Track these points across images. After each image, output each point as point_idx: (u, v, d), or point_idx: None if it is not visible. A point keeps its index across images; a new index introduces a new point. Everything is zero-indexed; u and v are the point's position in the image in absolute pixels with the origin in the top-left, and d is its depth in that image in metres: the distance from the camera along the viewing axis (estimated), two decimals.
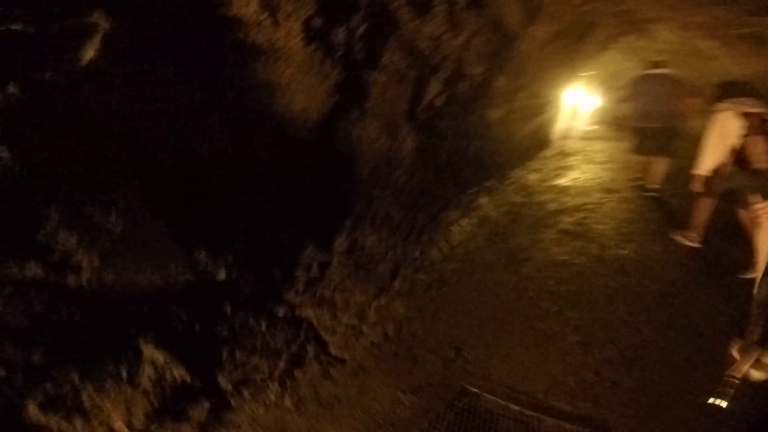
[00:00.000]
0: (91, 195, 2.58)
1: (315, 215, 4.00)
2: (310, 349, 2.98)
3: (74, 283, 2.49)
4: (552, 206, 5.60)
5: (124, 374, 2.44)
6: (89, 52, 2.18)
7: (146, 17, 2.34)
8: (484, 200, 5.69)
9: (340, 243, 3.99)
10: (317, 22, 2.92)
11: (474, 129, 5.68)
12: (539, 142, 7.47)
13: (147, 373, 2.48)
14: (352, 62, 3.50)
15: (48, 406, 2.04)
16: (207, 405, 2.41)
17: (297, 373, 2.76)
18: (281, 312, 3.28)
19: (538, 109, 6.96)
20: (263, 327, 3.11)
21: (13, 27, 1.88)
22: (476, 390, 2.53)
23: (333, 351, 3.01)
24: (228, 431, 2.29)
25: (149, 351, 2.58)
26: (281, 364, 2.80)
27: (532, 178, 6.52)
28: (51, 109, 2.27)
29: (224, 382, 2.60)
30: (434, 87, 4.41)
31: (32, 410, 1.99)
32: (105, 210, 2.63)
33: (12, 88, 2.08)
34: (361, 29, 3.28)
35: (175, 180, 3.11)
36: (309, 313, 3.33)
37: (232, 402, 2.46)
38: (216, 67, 2.83)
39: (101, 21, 2.13)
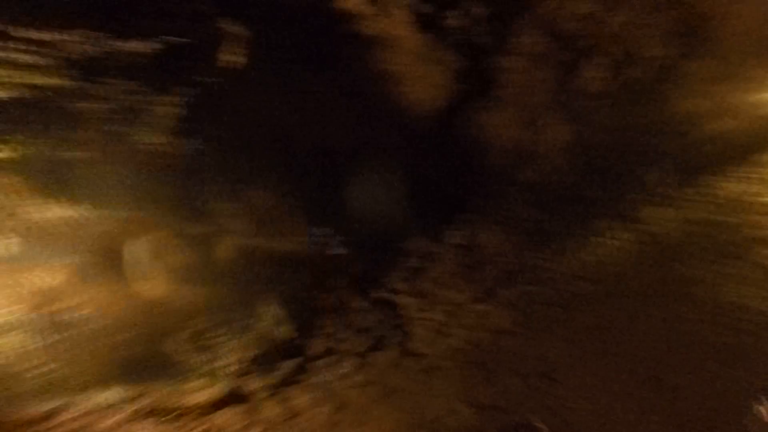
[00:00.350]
0: (242, 175, 3.34)
1: (430, 204, 4.16)
2: (395, 336, 3.22)
3: (228, 245, 3.29)
4: (752, 232, 4.46)
5: (246, 322, 3.14)
6: (234, 57, 2.81)
7: (273, 22, 2.82)
8: (653, 212, 4.87)
9: (452, 236, 4.07)
10: (425, 8, 2.99)
11: (653, 123, 4.83)
12: (754, 144, 5.83)
13: (260, 326, 3.13)
14: (474, 48, 3.41)
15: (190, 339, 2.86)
16: (294, 364, 2.91)
17: (375, 355, 3.04)
18: (379, 294, 3.60)
19: (756, 102, 5.43)
20: (360, 305, 3.50)
21: (169, 39, 2.56)
22: (543, 428, 2.39)
23: (415, 343, 3.18)
24: (299, 389, 2.73)
25: (269, 308, 3.23)
26: (364, 343, 3.13)
27: (733, 190, 5.21)
28: (212, 106, 3.02)
29: (314, 347, 3.07)
30: (589, 72, 3.92)
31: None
32: (253, 187, 3.37)
33: (181, 90, 2.85)
34: (480, 12, 3.18)
35: (307, 164, 3.69)
36: (404, 300, 3.56)
37: (313, 366, 2.90)
38: (334, 61, 3.19)
39: (239, 29, 2.70)
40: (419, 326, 3.35)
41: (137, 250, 3.07)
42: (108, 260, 3.05)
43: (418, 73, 3.51)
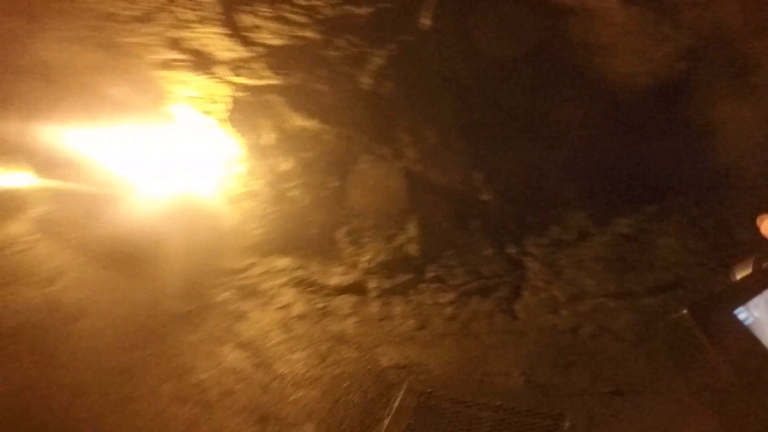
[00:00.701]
0: (420, 114, 4.00)
1: (611, 186, 3.91)
2: (503, 292, 3.55)
3: (396, 166, 4.16)
4: None
5: (389, 233, 4.00)
6: (427, 20, 3.30)
7: None
8: None
9: (622, 225, 3.81)
10: None
11: None
12: None
13: (398, 239, 3.96)
14: (715, 25, 2.72)
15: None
16: (406, 278, 3.67)
17: (475, 299, 3.49)
18: (511, 251, 3.87)
19: None
20: (487, 253, 3.88)
21: (383, 5, 3.25)
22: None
23: (517, 307, 3.44)
24: (399, 300, 3.49)
25: (409, 226, 4.02)
26: (472, 285, 3.59)
27: None
28: (412, 59, 3.70)
29: (429, 271, 3.74)
30: None
31: None
32: (428, 125, 4.02)
33: (390, 46, 3.60)
34: None
35: (481, 117, 4.03)
36: (533, 265, 3.74)
37: (419, 285, 3.61)
38: (528, 26, 3.21)
39: None
40: (533, 295, 3.54)
41: (342, 157, 4.22)
42: (324, 160, 4.32)
43: (629, 47, 3.18)
